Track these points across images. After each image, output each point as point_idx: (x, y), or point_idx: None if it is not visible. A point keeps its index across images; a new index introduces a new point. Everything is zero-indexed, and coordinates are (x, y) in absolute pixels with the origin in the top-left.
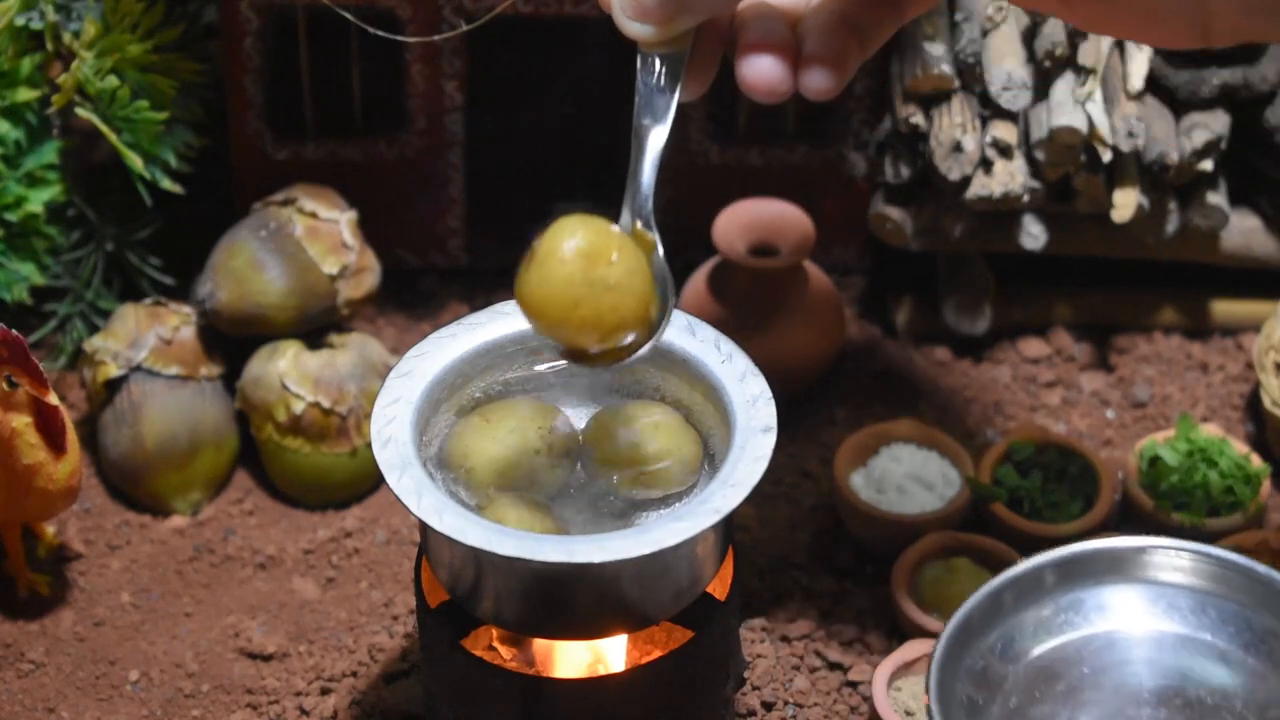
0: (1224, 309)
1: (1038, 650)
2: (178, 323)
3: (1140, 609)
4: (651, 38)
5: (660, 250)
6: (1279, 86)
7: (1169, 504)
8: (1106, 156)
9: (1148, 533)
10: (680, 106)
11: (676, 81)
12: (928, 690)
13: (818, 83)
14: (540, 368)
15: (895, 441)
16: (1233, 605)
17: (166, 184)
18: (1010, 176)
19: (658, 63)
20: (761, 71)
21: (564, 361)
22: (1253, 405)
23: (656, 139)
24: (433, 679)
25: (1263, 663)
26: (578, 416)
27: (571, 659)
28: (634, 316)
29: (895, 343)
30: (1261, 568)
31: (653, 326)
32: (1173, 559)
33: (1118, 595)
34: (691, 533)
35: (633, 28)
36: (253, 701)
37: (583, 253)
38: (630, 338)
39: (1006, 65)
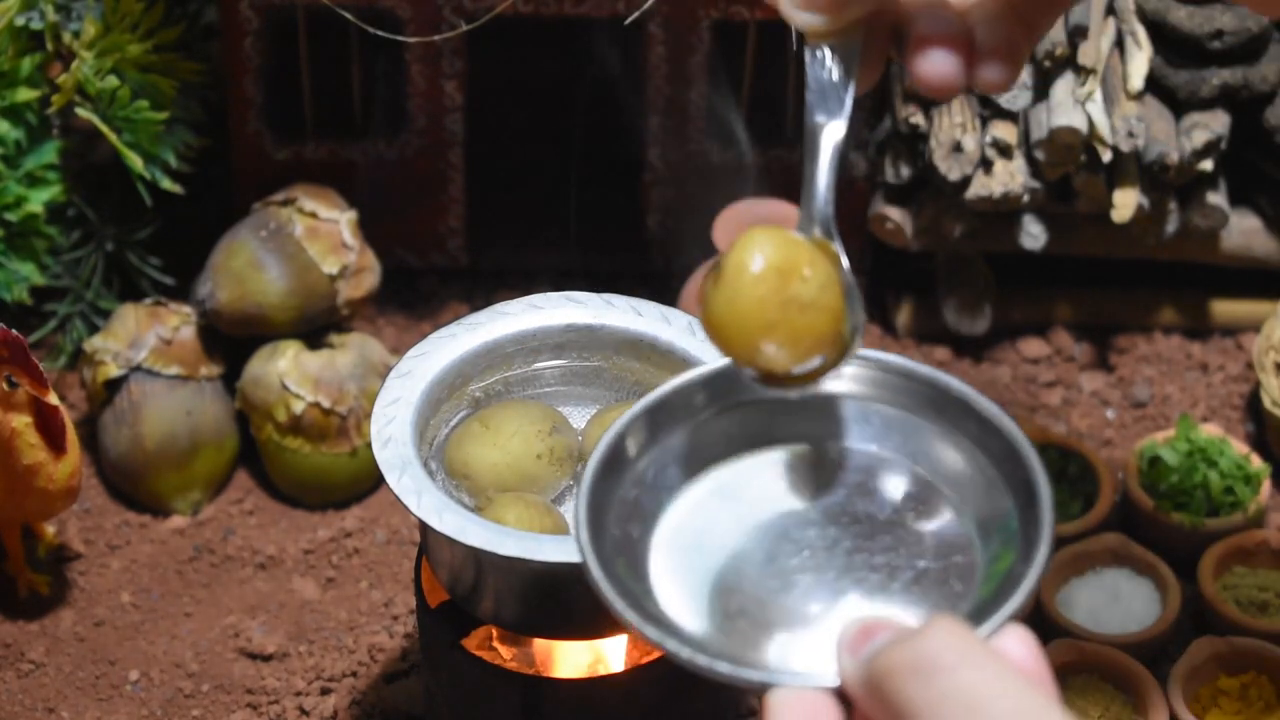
0: (1224, 309)
1: (693, 480)
2: (178, 323)
3: (799, 422)
4: (822, 28)
5: (845, 260)
6: (1279, 86)
7: (1169, 504)
8: (1106, 156)
9: (1148, 533)
10: (680, 106)
11: (851, 74)
12: (576, 527)
13: (994, 76)
14: (540, 367)
15: None
16: (895, 411)
17: (166, 184)
18: (1010, 176)
19: (828, 55)
20: (936, 67)
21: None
22: (1253, 405)
23: (834, 137)
24: (433, 679)
25: (932, 472)
26: (577, 416)
27: (571, 659)
28: (831, 335)
29: (895, 343)
30: (924, 369)
31: (846, 345)
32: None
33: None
34: None
35: (802, 17)
36: (253, 701)
37: (775, 268)
38: (824, 359)
39: None
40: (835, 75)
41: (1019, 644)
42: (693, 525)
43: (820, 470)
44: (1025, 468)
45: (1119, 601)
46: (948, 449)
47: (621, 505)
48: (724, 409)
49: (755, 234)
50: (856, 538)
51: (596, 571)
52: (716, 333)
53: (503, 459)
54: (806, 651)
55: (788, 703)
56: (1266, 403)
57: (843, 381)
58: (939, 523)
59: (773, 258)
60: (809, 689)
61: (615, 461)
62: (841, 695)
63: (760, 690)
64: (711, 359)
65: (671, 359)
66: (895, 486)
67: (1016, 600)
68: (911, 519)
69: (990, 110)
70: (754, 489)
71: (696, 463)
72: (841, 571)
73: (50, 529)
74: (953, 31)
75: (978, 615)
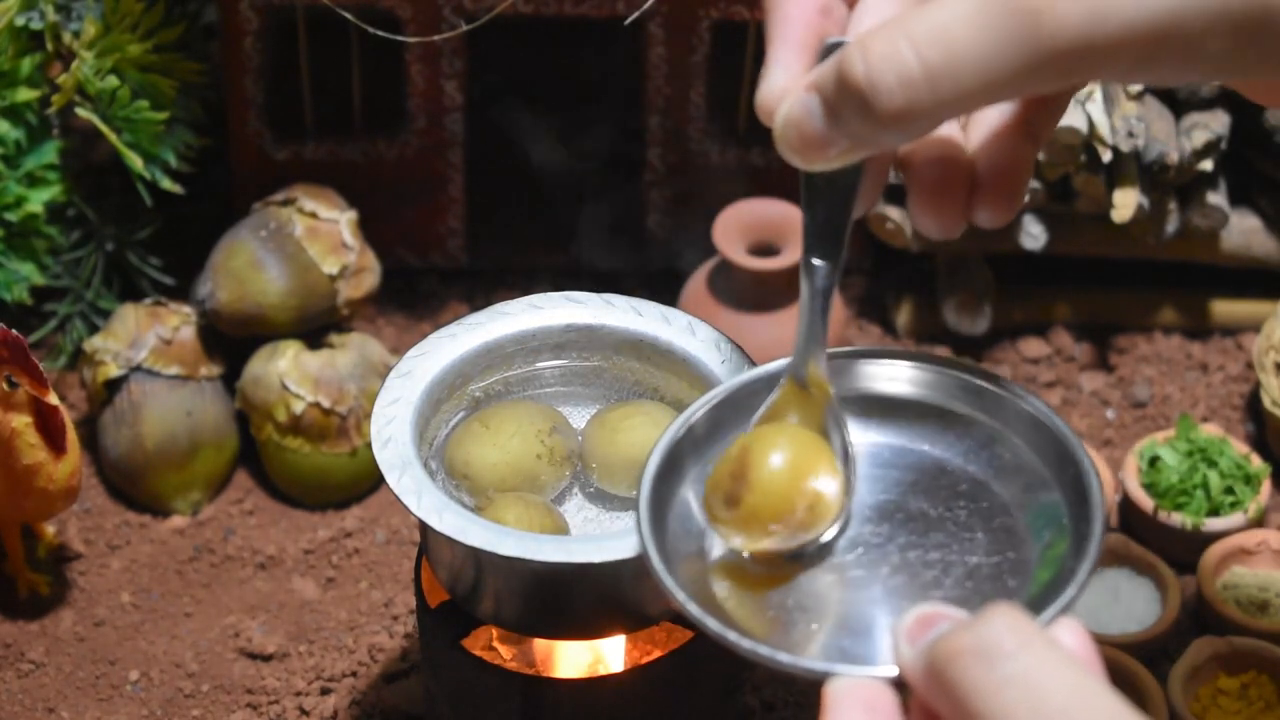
0: (1224, 309)
1: None
2: (178, 323)
3: (854, 423)
4: (816, 169)
5: (835, 398)
6: None
7: (1169, 504)
8: (1106, 156)
9: (1148, 533)
10: (680, 106)
11: (848, 209)
12: (638, 520)
13: (998, 219)
14: (540, 367)
15: None
16: (946, 409)
17: (166, 184)
18: None
19: (824, 185)
20: (935, 221)
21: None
22: (1253, 405)
23: (829, 277)
24: (433, 679)
25: (984, 470)
26: (577, 416)
27: (571, 659)
28: (832, 511)
29: (895, 343)
30: (975, 368)
31: (843, 506)
32: (888, 369)
33: None
34: None
35: (796, 160)
36: (253, 701)
37: (792, 467)
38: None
39: None
40: (830, 212)
41: (1072, 635)
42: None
43: (874, 467)
44: (1075, 463)
45: (1119, 601)
46: (998, 446)
47: (682, 503)
48: None
49: (767, 434)
50: (910, 534)
51: (658, 564)
52: (736, 532)
53: (503, 459)
54: (862, 645)
55: (847, 692)
56: (1266, 403)
57: (893, 382)
58: (991, 520)
59: (789, 459)
60: (868, 678)
61: (676, 458)
62: (898, 685)
63: (819, 680)
64: (712, 361)
65: (671, 359)
66: (948, 484)
67: (1070, 592)
68: (964, 516)
69: None
70: None
71: None
72: (895, 568)
73: (50, 529)
74: (951, 178)
75: (1033, 609)
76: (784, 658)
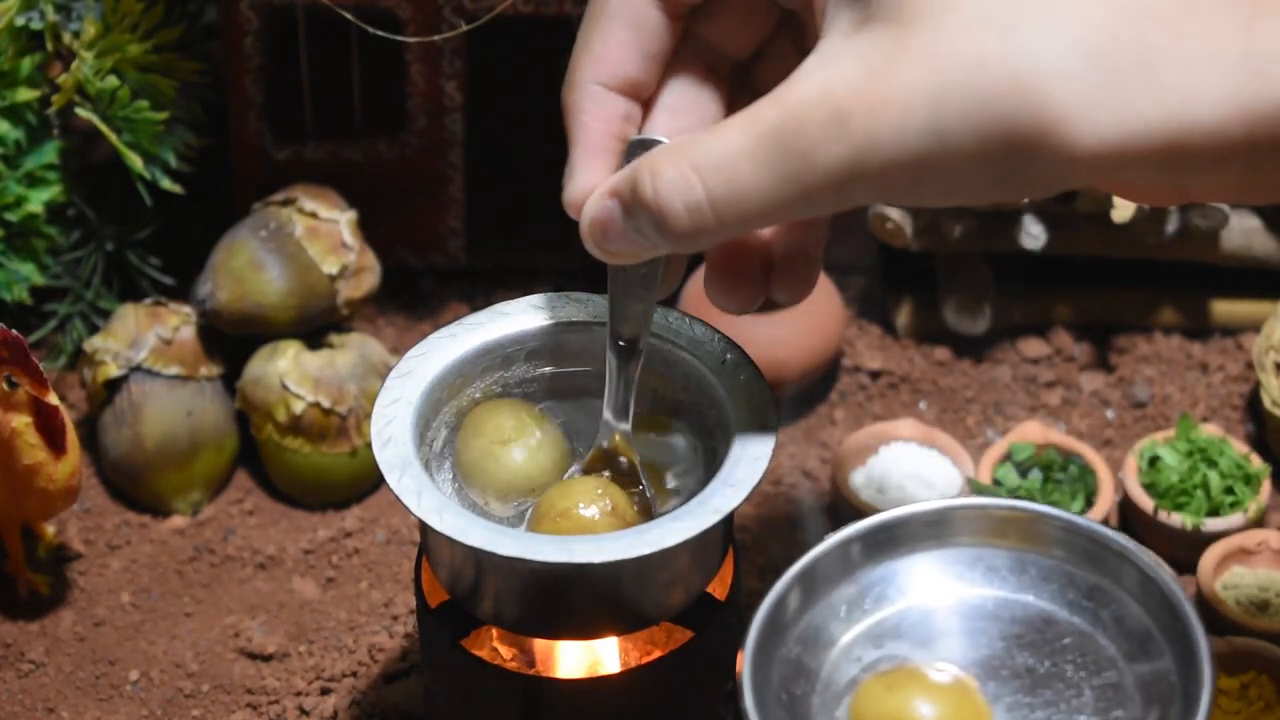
0: (1224, 309)
1: (851, 633)
2: (178, 323)
3: (955, 575)
4: (620, 264)
5: (638, 462)
6: None
7: (1169, 504)
8: None
9: (1148, 533)
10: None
11: (651, 295)
12: (740, 690)
13: (790, 300)
14: (540, 367)
15: (896, 441)
16: (1052, 562)
17: (166, 184)
18: None
19: (625, 279)
20: (731, 300)
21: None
22: (1253, 405)
23: (634, 354)
24: (433, 679)
25: (1089, 621)
26: (577, 417)
27: (571, 659)
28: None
29: (895, 343)
30: (1083, 521)
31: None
32: (985, 518)
33: (930, 562)
34: (691, 533)
35: (602, 256)
36: (253, 701)
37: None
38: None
39: None
40: (634, 296)
41: None
42: (852, 680)
43: (977, 620)
44: (1183, 621)
45: None
46: (1105, 600)
47: (784, 664)
48: (880, 561)
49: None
50: (1017, 692)
51: None
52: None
53: (500, 462)
54: None
55: None
56: (1266, 403)
57: (998, 534)
58: (1098, 675)
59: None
60: None
61: (775, 622)
62: None
63: None
64: (711, 361)
65: (671, 359)
66: (1054, 638)
67: None
68: (1071, 671)
69: None
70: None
71: (856, 615)
72: None
73: (50, 529)
74: (750, 264)
75: None
76: None
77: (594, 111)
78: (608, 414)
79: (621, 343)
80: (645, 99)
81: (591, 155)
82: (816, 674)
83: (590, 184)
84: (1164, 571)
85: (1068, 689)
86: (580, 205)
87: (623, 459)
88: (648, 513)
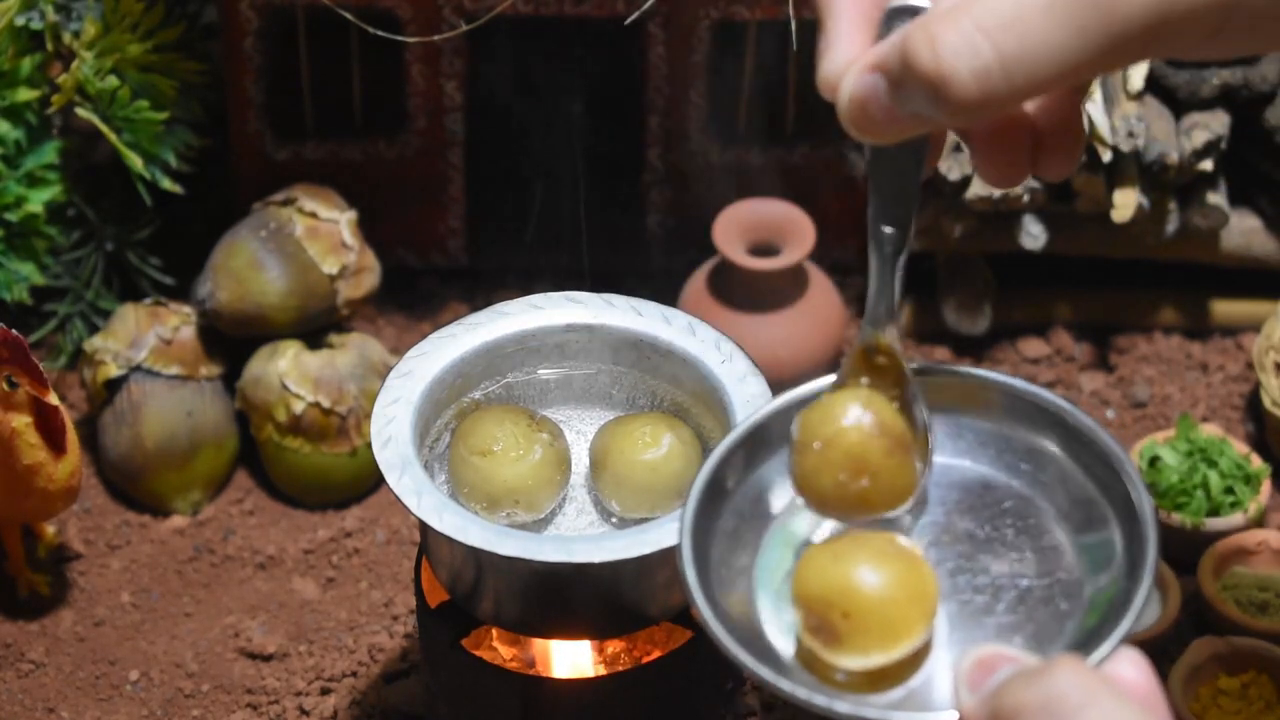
0: (1224, 309)
1: (790, 502)
2: (178, 323)
3: None
4: (881, 144)
5: (908, 369)
6: (1279, 86)
7: (1169, 504)
8: (1106, 156)
9: None
10: (680, 106)
11: (916, 176)
12: (680, 560)
13: (1058, 174)
14: (540, 367)
15: None
16: (989, 425)
17: (166, 184)
18: None
19: (890, 159)
20: (1000, 174)
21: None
22: (1253, 405)
23: (898, 243)
24: (433, 679)
25: (1028, 484)
26: (577, 418)
27: (571, 659)
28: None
29: None
30: (1020, 382)
31: (920, 483)
32: (921, 383)
33: None
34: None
35: (861, 136)
36: (253, 701)
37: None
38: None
39: None
40: (898, 176)
41: (1133, 668)
42: (792, 551)
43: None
44: (1124, 482)
45: None
46: (1043, 463)
47: (723, 537)
48: None
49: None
50: (958, 558)
51: (705, 611)
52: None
53: (483, 473)
54: (918, 680)
55: None
56: (1266, 403)
57: (935, 400)
58: (1039, 537)
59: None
60: None
61: (713, 494)
62: None
63: None
64: (712, 361)
65: (672, 359)
66: (993, 502)
67: (1127, 622)
68: (1012, 535)
69: None
70: None
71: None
72: (946, 594)
73: (50, 529)
74: (1018, 140)
75: (1088, 638)
76: (842, 706)
77: None
78: (867, 324)
79: (887, 230)
80: None
81: (850, 25)
82: (756, 545)
83: (848, 57)
84: (1101, 431)
85: (1009, 552)
86: (836, 83)
87: (882, 358)
88: (914, 426)
